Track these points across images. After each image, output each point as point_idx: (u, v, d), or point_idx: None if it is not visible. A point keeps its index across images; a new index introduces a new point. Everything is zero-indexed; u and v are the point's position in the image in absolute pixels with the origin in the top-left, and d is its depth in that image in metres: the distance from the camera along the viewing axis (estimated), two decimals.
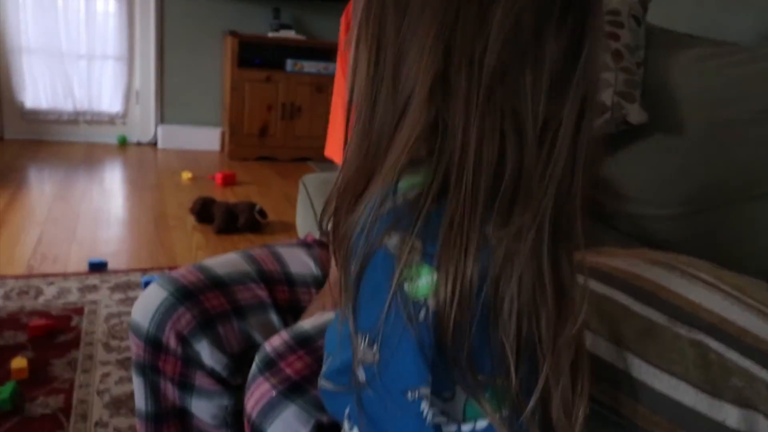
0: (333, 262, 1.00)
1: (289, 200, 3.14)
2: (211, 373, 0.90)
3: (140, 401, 0.92)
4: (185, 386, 0.91)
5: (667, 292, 0.72)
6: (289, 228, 2.75)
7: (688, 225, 1.28)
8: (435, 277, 0.42)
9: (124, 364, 1.61)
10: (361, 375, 0.44)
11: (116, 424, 1.37)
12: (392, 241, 0.42)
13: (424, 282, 0.42)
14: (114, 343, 1.72)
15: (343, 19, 1.11)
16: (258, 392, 0.76)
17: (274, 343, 0.79)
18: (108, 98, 3.98)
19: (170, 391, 0.91)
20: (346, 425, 0.47)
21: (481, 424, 0.48)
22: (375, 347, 0.42)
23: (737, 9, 1.63)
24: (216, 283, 0.92)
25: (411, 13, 0.45)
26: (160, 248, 2.44)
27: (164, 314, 0.87)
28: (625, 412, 0.66)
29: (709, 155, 1.29)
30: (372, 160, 0.47)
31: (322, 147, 4.22)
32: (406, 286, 0.42)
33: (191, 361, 0.89)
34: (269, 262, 1.00)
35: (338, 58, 1.15)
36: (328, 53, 3.90)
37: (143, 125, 4.08)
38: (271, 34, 3.86)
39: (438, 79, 0.44)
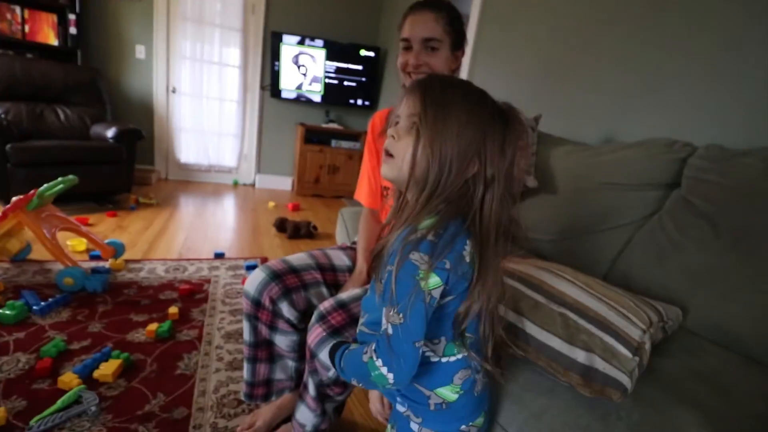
0: (360, 263, 1.03)
1: (331, 220, 3.16)
2: (288, 321, 0.92)
3: (246, 335, 0.94)
4: (273, 328, 0.92)
5: (546, 284, 0.74)
6: (330, 237, 2.76)
7: (560, 246, 1.30)
8: (438, 279, 0.46)
9: (233, 313, 1.61)
10: (390, 329, 0.47)
11: (228, 348, 1.37)
12: (414, 256, 0.45)
13: (432, 281, 0.46)
14: (228, 300, 1.72)
15: (370, 127, 1.13)
16: (314, 333, 0.78)
17: (325, 305, 0.81)
18: (228, 158, 3.99)
19: (264, 330, 0.93)
20: (373, 356, 0.49)
21: (453, 358, 0.51)
22: (401, 315, 0.46)
23: (588, 124, 1.68)
24: (292, 270, 0.94)
25: (459, 138, 0.48)
26: (255, 246, 2.45)
27: (263, 286, 0.89)
28: (522, 351, 0.68)
29: (571, 207, 1.32)
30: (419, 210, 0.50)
31: (352, 191, 4.22)
32: (422, 283, 0.45)
33: (277, 314, 0.91)
34: (322, 258, 1.02)
35: (366, 146, 1.16)
36: (355, 137, 3.94)
37: (247, 174, 4.09)
38: (323, 125, 3.89)
39: (473, 175, 0.50)
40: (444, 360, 0.52)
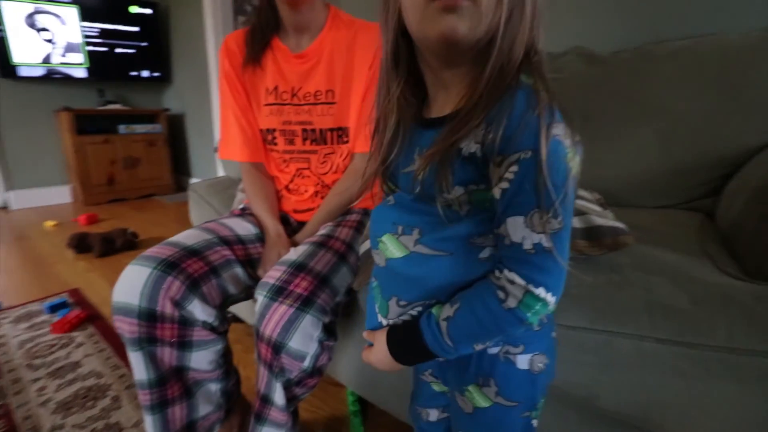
0: (271, 225, 0.79)
1: (152, 222, 2.50)
2: (204, 326, 0.64)
3: (140, 373, 0.60)
4: (184, 345, 0.62)
5: None
6: (160, 240, 2.17)
7: None
8: (578, 156, 0.33)
9: (56, 374, 1.09)
10: (546, 241, 0.32)
11: (73, 422, 0.92)
12: (557, 130, 0.31)
13: (577, 161, 0.32)
14: (38, 361, 1.15)
15: (224, 56, 0.85)
16: (276, 315, 0.55)
17: (275, 275, 0.58)
18: None
19: (167, 354, 0.61)
20: (530, 290, 0.33)
21: None
22: (560, 218, 0.31)
23: None
24: (191, 252, 0.65)
25: None
26: (48, 280, 1.72)
27: (154, 287, 0.58)
28: None
29: None
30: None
31: (164, 185, 3.48)
32: (573, 166, 0.32)
33: (187, 321, 0.61)
34: (223, 230, 0.74)
35: (225, 83, 0.86)
36: (151, 117, 3.18)
37: None
38: (100, 108, 2.96)
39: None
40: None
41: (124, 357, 1.14)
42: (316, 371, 0.60)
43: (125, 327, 0.58)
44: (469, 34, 0.33)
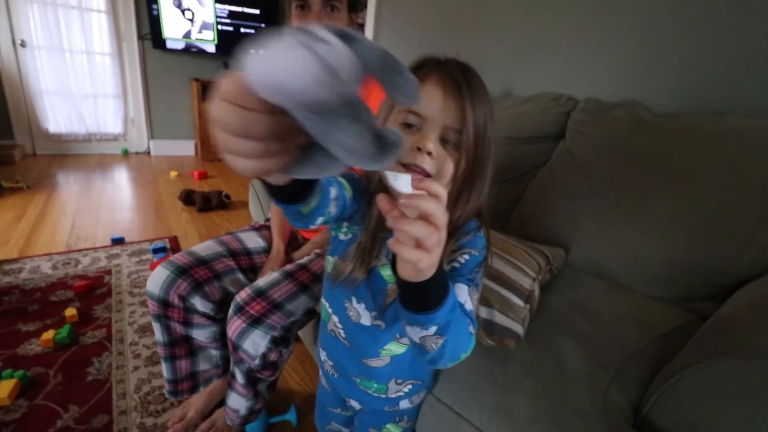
0: (276, 242, 1.01)
1: (244, 186, 2.99)
2: (203, 314, 0.90)
3: (159, 335, 0.90)
4: (187, 324, 0.89)
5: None
6: (246, 205, 2.63)
7: None
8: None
9: (144, 303, 1.51)
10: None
11: (144, 343, 1.31)
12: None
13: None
14: (135, 290, 1.59)
15: None
16: (234, 325, 0.77)
17: (241, 296, 0.80)
18: (111, 123, 3.47)
19: (177, 327, 0.89)
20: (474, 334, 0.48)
21: None
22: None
23: (491, 78, 1.74)
24: (200, 261, 0.90)
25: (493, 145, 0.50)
26: (160, 224, 2.25)
27: (168, 285, 0.85)
28: None
29: None
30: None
31: None
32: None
33: (190, 310, 0.88)
34: (234, 243, 0.98)
35: None
36: None
37: (138, 140, 3.61)
38: None
39: None
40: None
41: None
42: (268, 365, 0.82)
43: (150, 306, 0.87)
44: None
